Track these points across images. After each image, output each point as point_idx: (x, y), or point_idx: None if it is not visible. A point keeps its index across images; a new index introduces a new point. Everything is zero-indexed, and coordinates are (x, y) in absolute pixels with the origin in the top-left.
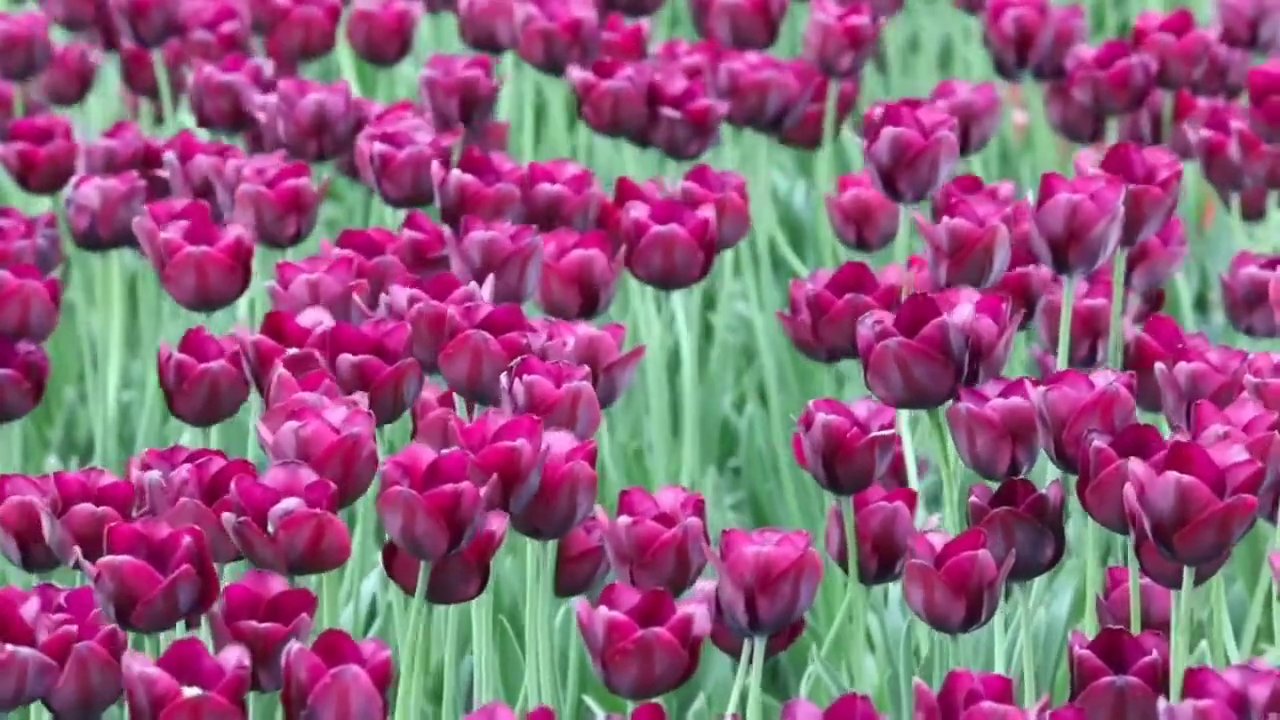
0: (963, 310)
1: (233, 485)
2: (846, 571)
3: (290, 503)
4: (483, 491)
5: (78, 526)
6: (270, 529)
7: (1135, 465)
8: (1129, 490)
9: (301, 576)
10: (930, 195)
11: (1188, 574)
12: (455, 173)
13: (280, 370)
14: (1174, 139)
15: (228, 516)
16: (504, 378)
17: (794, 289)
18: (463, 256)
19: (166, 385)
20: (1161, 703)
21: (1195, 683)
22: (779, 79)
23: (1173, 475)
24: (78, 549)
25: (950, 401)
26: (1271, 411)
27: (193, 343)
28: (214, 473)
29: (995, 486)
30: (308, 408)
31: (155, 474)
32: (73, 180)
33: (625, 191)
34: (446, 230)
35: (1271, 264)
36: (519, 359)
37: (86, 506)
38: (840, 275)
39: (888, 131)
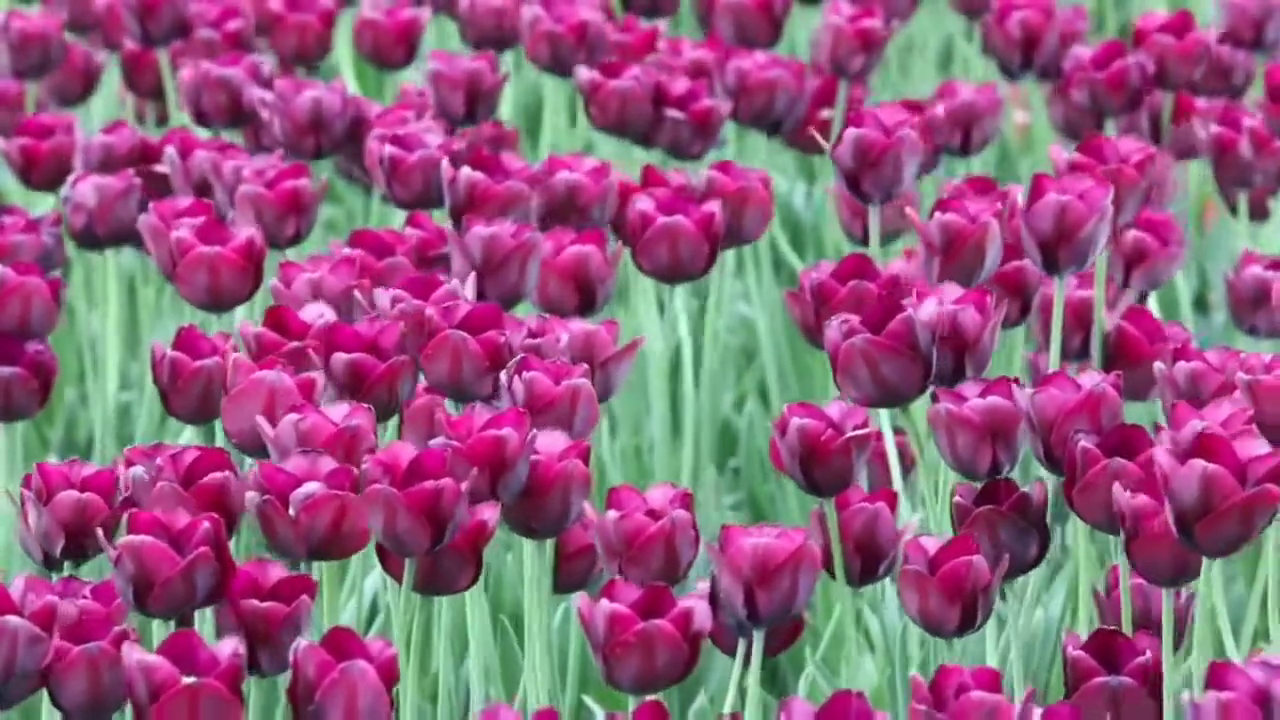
0: (928, 306)
1: (255, 469)
2: (830, 573)
3: (312, 486)
4: (464, 486)
5: (63, 515)
6: (292, 512)
7: (1160, 455)
8: (1118, 488)
9: (318, 563)
10: (896, 194)
11: (1206, 565)
12: (464, 170)
13: (235, 354)
14: (1174, 139)
15: (250, 495)
16: (503, 375)
17: (803, 277)
18: (464, 253)
19: (161, 383)
20: (1185, 694)
21: (1218, 676)
22: (785, 78)
23: (1199, 463)
24: (100, 530)
25: (923, 398)
26: (1248, 409)
27: (186, 341)
28: (189, 463)
29: (977, 485)
30: (302, 403)
31: (139, 469)
32: (70, 178)
33: (650, 179)
34: (449, 227)
35: (1276, 265)
36: (518, 357)
37: (71, 494)
38: (844, 266)
39: (849, 133)
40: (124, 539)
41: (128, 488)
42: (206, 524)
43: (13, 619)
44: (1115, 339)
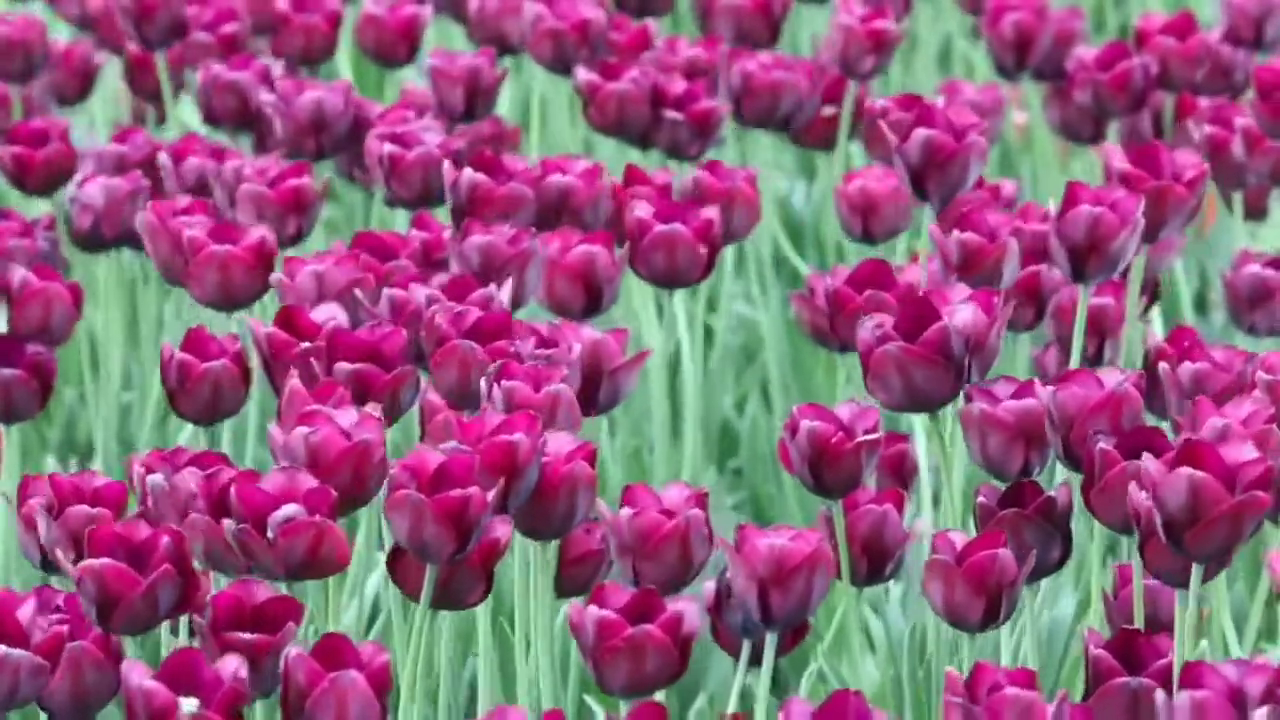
0: (963, 312)
1: (232, 489)
2: (838, 575)
3: (290, 509)
4: (490, 495)
5: (74, 527)
6: (269, 535)
7: (1148, 461)
8: (1134, 488)
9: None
10: (956, 198)
11: (1196, 571)
12: (467, 172)
13: (293, 382)
14: (1176, 140)
15: (228, 523)
16: (483, 382)
17: (812, 279)
18: (462, 259)
19: (169, 385)
20: (1159, 696)
21: (1192, 676)
22: (791, 80)
23: (1185, 471)
24: (68, 554)
25: (954, 403)
26: (1269, 408)
27: (194, 342)
28: (223, 483)
29: (1001, 486)
30: (318, 413)
31: (158, 477)
32: (76, 178)
33: (633, 178)
34: (449, 231)
35: (1274, 263)
36: (496, 364)
37: (82, 508)
38: (860, 271)
39: (919, 133)
40: (83, 562)
41: (145, 492)
42: (167, 538)
43: (16, 652)
44: (1155, 357)
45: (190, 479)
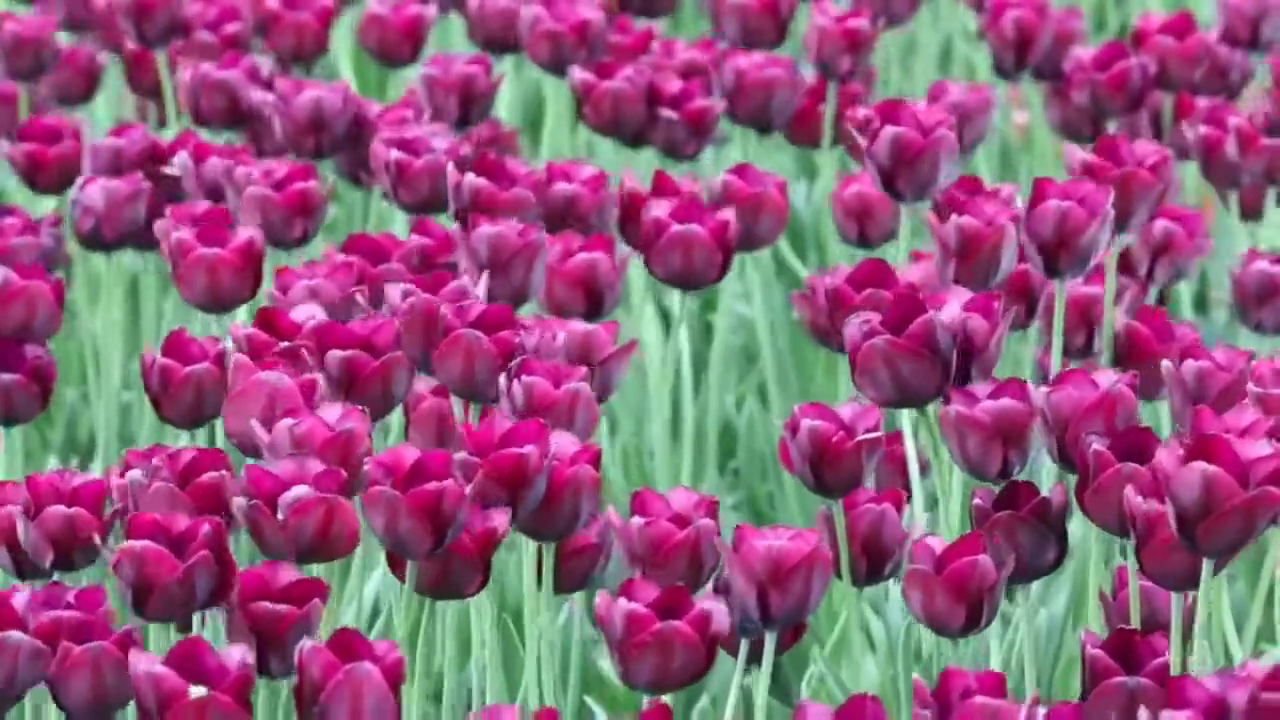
0: (951, 308)
1: (243, 473)
2: (838, 574)
3: (300, 489)
4: (468, 490)
5: (51, 529)
6: (280, 516)
7: (1162, 455)
8: (1130, 492)
9: (310, 566)
10: (930, 194)
11: (1207, 566)
12: (470, 176)
13: (237, 355)
14: (1174, 140)
15: (238, 501)
16: (502, 378)
17: (812, 279)
18: (470, 252)
19: (151, 390)
20: (1143, 713)
21: (1175, 691)
22: (783, 77)
23: (1199, 465)
24: (97, 537)
25: (939, 400)
26: (1272, 418)
27: (176, 346)
28: (185, 463)
29: (994, 487)
30: (301, 407)
31: (136, 473)
32: (78, 181)
33: (662, 187)
34: (455, 226)
35: None
36: (518, 359)
37: (59, 509)
38: (860, 271)
39: (887, 131)
40: (125, 544)
41: (125, 493)
42: (207, 527)
43: (14, 634)
44: (1125, 338)
45: (155, 460)
